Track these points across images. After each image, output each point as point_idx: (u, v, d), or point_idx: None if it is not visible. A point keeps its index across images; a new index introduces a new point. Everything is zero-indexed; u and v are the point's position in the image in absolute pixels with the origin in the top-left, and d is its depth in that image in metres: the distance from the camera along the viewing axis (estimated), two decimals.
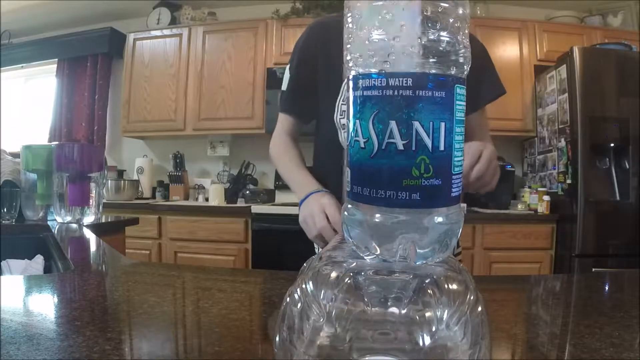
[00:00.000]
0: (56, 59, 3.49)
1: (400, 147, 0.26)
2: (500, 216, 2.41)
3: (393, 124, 0.26)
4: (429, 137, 0.26)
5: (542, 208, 2.47)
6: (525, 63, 2.78)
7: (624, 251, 2.20)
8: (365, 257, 0.29)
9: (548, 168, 2.65)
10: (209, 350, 0.37)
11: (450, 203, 0.27)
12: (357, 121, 0.28)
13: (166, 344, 0.40)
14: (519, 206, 2.58)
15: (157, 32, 3.15)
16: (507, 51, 2.78)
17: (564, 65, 2.40)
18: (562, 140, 2.44)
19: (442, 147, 0.26)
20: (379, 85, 0.26)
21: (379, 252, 0.28)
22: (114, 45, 3.33)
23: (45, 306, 0.51)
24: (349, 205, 0.29)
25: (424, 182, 0.26)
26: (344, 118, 0.93)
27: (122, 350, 0.36)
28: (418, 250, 0.27)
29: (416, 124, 0.26)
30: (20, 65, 3.62)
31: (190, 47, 3.04)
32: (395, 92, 0.26)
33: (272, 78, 2.85)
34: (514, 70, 2.74)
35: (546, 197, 2.48)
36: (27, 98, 3.84)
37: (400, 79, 0.26)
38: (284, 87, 1.06)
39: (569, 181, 2.35)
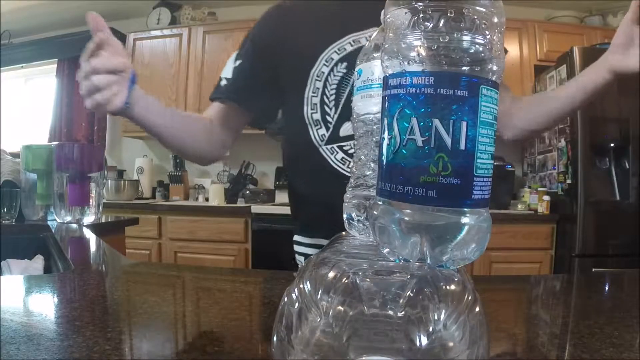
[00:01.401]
0: (56, 59, 3.49)
1: (419, 143, 0.26)
2: (500, 216, 2.41)
3: (414, 121, 0.27)
4: (448, 135, 0.26)
5: (542, 208, 2.47)
6: (525, 63, 2.78)
7: (624, 251, 2.20)
8: (388, 256, 0.29)
9: (548, 168, 2.65)
10: (209, 350, 0.37)
11: (470, 205, 0.27)
12: (385, 119, 0.29)
13: (166, 344, 0.40)
14: (519, 206, 2.58)
15: (157, 32, 3.15)
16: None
17: (564, 65, 2.40)
18: (562, 140, 2.44)
19: (462, 147, 0.26)
20: (404, 83, 0.27)
21: (398, 250, 0.28)
22: None
23: (45, 306, 0.51)
24: (376, 202, 0.30)
25: (441, 180, 0.26)
26: (316, 112, 0.83)
27: (122, 350, 0.36)
28: (435, 253, 0.27)
29: (435, 122, 0.26)
30: (20, 65, 3.62)
31: (190, 47, 3.04)
32: (418, 90, 0.27)
33: None
34: (514, 70, 2.74)
35: (546, 197, 2.48)
36: (27, 98, 3.84)
37: (423, 77, 0.27)
38: (228, 74, 0.89)
39: (569, 181, 2.35)
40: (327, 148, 0.82)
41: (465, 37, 0.26)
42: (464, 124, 0.26)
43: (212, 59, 2.99)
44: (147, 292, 0.62)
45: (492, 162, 0.29)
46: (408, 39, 0.27)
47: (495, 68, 0.27)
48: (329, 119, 0.82)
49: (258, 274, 0.76)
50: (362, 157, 0.40)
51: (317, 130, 0.83)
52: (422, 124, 0.26)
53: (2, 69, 3.51)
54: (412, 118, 0.27)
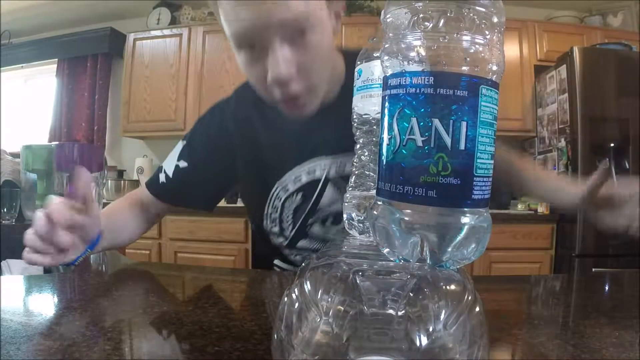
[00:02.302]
0: (56, 59, 3.49)
1: (419, 143, 0.26)
2: (500, 216, 2.41)
3: (414, 121, 0.27)
4: (448, 135, 0.26)
5: (542, 208, 2.47)
6: (525, 63, 2.78)
7: (624, 251, 2.20)
8: (388, 256, 0.29)
9: (548, 168, 2.65)
10: (209, 350, 0.37)
11: (470, 205, 0.27)
12: (385, 119, 0.29)
13: (166, 344, 0.40)
14: (519, 206, 2.58)
15: (157, 32, 3.15)
16: (507, 51, 2.75)
17: (564, 65, 2.40)
18: (562, 140, 2.44)
19: (462, 147, 0.26)
20: (404, 83, 0.27)
21: (398, 250, 0.28)
22: (114, 45, 3.33)
23: (45, 306, 0.51)
24: (376, 202, 0.30)
25: (441, 180, 0.26)
26: (275, 226, 0.82)
27: (122, 350, 0.36)
28: (435, 253, 0.27)
29: (435, 122, 0.26)
30: (20, 65, 3.62)
31: (190, 47, 3.04)
32: (418, 90, 0.27)
33: None
34: (514, 70, 2.74)
35: None
36: (27, 98, 3.84)
37: (423, 77, 0.27)
38: (169, 169, 0.83)
39: None
40: (286, 250, 0.84)
41: (465, 37, 0.26)
42: (464, 124, 0.26)
43: (212, 59, 2.99)
44: (147, 292, 0.62)
45: (492, 162, 0.28)
46: (408, 39, 0.27)
47: (495, 68, 0.27)
48: (286, 233, 0.82)
49: (258, 274, 0.76)
50: (362, 157, 0.40)
51: (276, 238, 0.83)
52: (422, 124, 0.26)
53: (2, 69, 3.51)
54: (412, 118, 0.27)
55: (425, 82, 0.26)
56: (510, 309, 0.58)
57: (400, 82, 0.28)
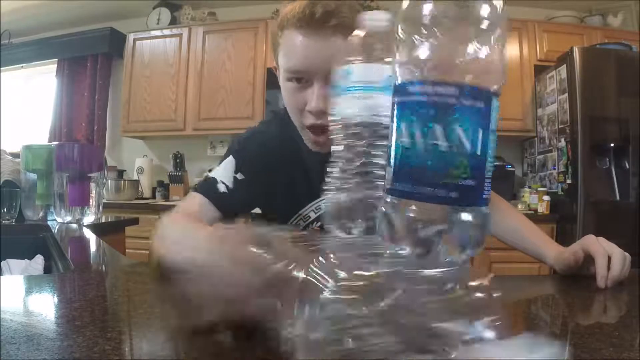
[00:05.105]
0: (56, 59, 3.49)
1: (443, 148, 0.29)
2: None
3: (438, 127, 0.29)
4: (468, 141, 0.28)
5: (542, 208, 2.47)
6: (525, 63, 2.77)
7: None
8: (400, 252, 0.31)
9: (548, 168, 2.65)
10: (209, 350, 0.37)
11: (481, 204, 0.30)
12: (404, 123, 0.30)
13: (166, 344, 0.40)
14: (519, 206, 2.58)
15: (157, 32, 3.15)
16: (507, 51, 2.78)
17: (564, 65, 2.40)
18: (562, 140, 2.44)
19: (478, 152, 0.29)
20: (429, 92, 0.29)
21: (413, 246, 0.29)
22: (114, 45, 3.33)
23: (45, 306, 0.51)
24: (391, 201, 0.31)
25: (461, 182, 0.28)
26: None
27: (122, 350, 0.36)
28: (440, 248, 0.29)
29: (459, 129, 0.28)
30: (20, 65, 3.62)
31: (190, 47, 3.04)
32: (442, 99, 0.29)
33: (272, 78, 2.84)
34: (514, 70, 2.74)
35: (546, 197, 2.48)
36: (27, 98, 3.84)
37: (447, 88, 0.29)
38: (227, 180, 0.83)
39: (569, 181, 2.35)
40: None
41: (477, 49, 0.28)
42: (481, 131, 0.29)
43: (212, 59, 2.99)
44: (147, 292, 0.62)
45: (493, 163, 0.31)
46: (419, 49, 0.29)
47: (503, 80, 0.30)
48: None
49: None
50: (344, 160, 0.41)
51: None
52: (445, 130, 0.28)
53: (2, 69, 3.51)
54: (436, 124, 0.29)
55: (450, 92, 0.29)
56: (510, 309, 0.58)
57: (424, 90, 0.29)
